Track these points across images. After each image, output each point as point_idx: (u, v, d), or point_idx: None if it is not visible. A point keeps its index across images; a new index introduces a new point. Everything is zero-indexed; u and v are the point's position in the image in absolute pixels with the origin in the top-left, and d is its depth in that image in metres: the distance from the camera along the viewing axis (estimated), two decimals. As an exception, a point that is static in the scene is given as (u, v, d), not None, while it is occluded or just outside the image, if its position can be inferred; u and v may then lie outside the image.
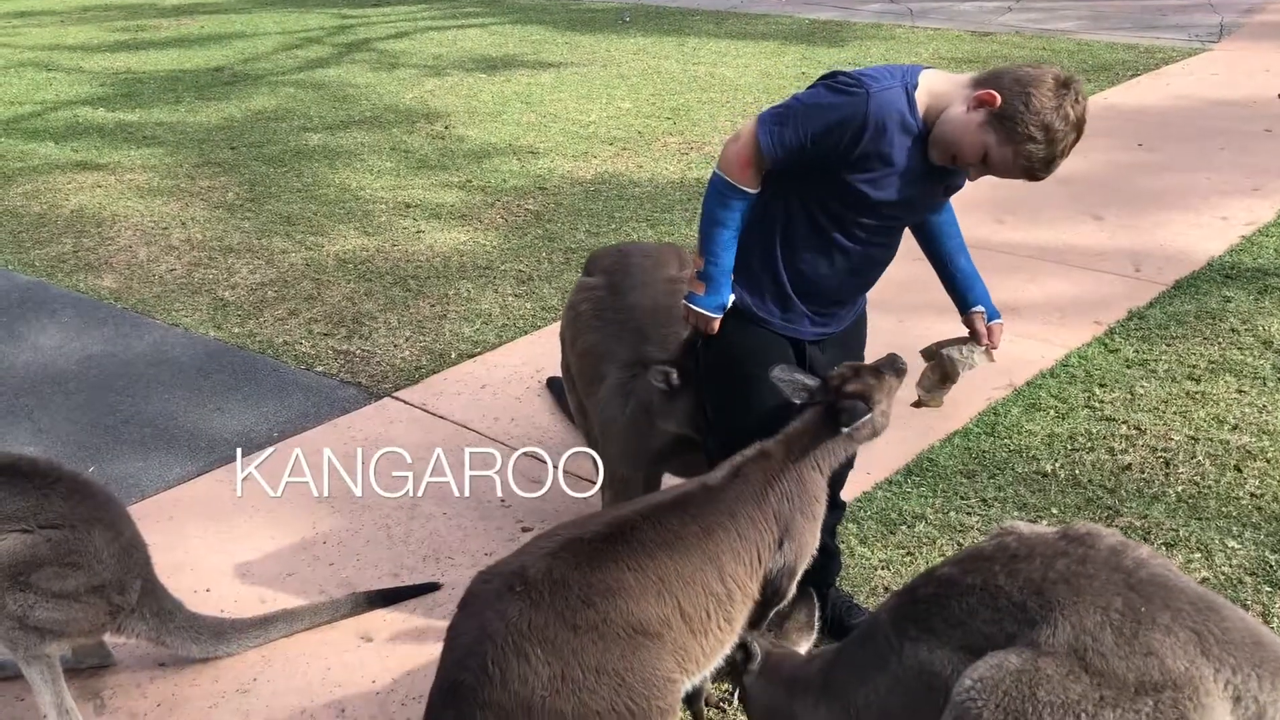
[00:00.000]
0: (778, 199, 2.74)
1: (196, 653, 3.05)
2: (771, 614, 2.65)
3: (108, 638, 3.03)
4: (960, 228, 2.98)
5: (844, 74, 2.63)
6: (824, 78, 2.67)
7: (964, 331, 2.97)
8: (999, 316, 2.97)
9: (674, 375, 2.99)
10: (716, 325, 2.80)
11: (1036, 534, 2.17)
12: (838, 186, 2.65)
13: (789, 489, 2.59)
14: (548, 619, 2.27)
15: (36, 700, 2.83)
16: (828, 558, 3.06)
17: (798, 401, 2.69)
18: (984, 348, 2.94)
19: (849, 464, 2.95)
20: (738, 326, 2.83)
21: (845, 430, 2.61)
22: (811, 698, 2.42)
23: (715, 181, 2.71)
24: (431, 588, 3.34)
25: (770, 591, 2.59)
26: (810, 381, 2.68)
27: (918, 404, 2.99)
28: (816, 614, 2.67)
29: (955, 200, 2.97)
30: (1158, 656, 1.93)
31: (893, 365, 2.74)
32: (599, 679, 2.26)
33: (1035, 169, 2.57)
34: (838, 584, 3.18)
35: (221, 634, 3.07)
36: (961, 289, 2.96)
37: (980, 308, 2.94)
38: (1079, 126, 2.56)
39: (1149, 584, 2.00)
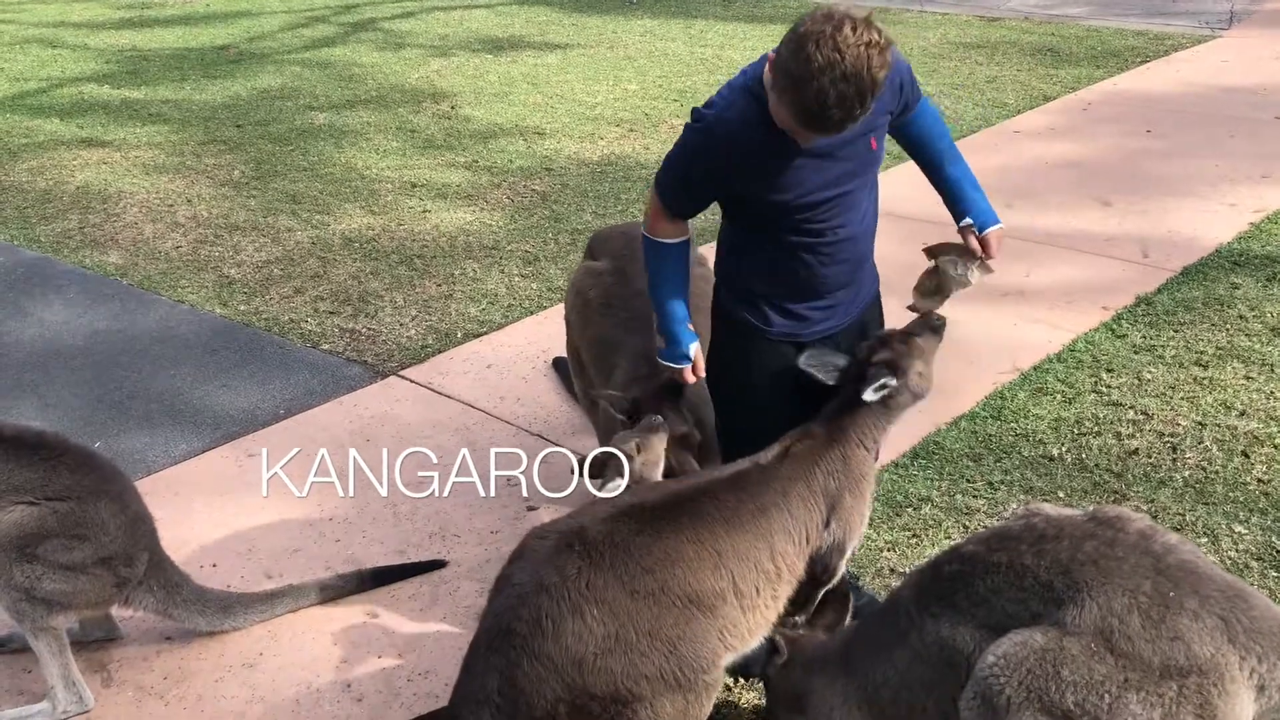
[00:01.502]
0: (734, 224, 2.79)
1: (203, 626, 3.06)
2: (819, 594, 2.67)
3: (115, 611, 3.04)
4: (950, 135, 2.89)
5: (696, 110, 2.66)
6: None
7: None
8: (996, 223, 2.80)
9: (622, 404, 3.03)
10: (689, 374, 2.82)
11: (1064, 515, 2.17)
12: (757, 204, 2.66)
13: (834, 467, 2.61)
14: (607, 580, 2.30)
15: (43, 672, 2.84)
16: None
17: (830, 382, 2.69)
18: (979, 261, 2.79)
19: None
20: (730, 341, 2.86)
21: (866, 399, 2.60)
22: (830, 674, 2.42)
23: (643, 240, 2.81)
24: (437, 565, 3.35)
25: (820, 569, 2.61)
26: (841, 361, 2.70)
27: (912, 308, 2.84)
28: (849, 612, 2.66)
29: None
30: (1184, 641, 1.92)
31: (927, 326, 2.72)
32: (651, 644, 2.29)
33: (797, 122, 2.40)
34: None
35: (228, 608, 3.08)
36: (951, 199, 2.87)
37: (969, 220, 2.80)
38: (831, 70, 2.28)
39: (1178, 569, 2.00)
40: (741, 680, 2.89)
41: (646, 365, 3.20)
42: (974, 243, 2.80)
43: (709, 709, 2.40)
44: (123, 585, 2.89)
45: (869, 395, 2.59)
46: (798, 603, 2.63)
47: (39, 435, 2.94)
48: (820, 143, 2.54)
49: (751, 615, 2.47)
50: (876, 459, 2.76)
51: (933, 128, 2.87)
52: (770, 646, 2.58)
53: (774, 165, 2.58)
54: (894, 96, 2.68)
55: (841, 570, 2.67)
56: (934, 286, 2.82)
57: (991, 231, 2.81)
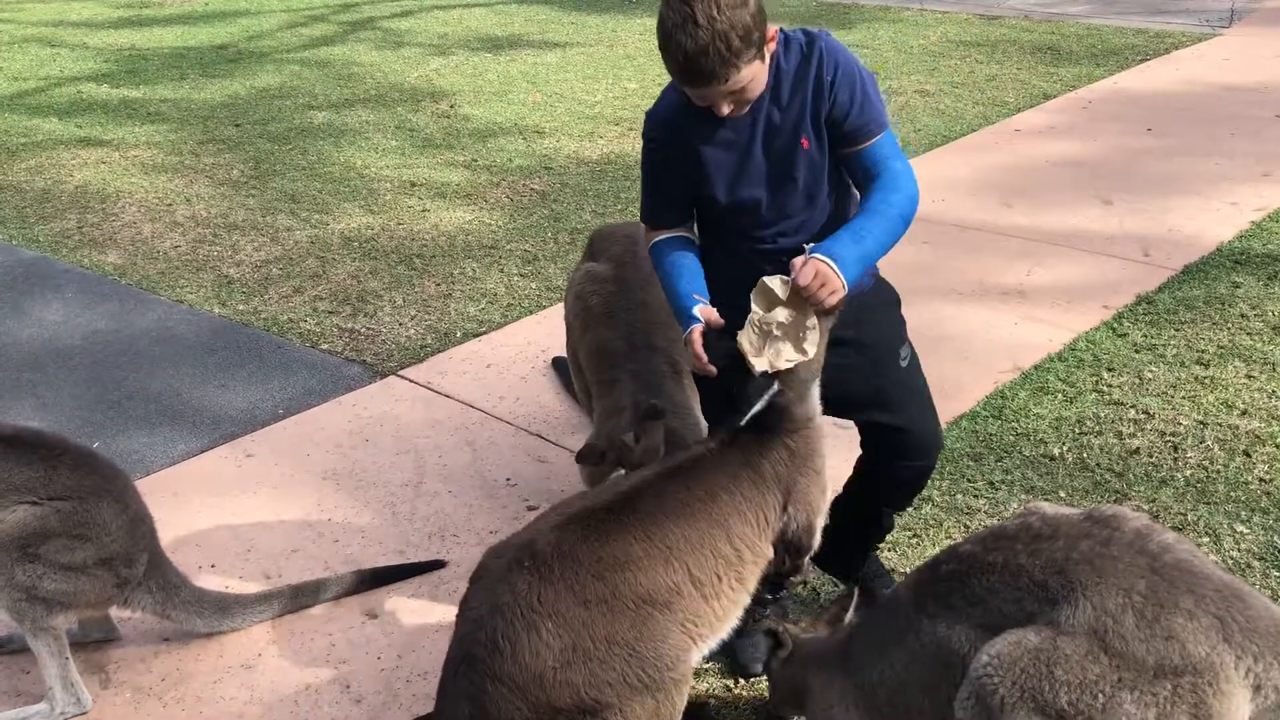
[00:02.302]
0: (700, 232, 2.78)
1: (201, 627, 3.05)
2: (803, 562, 2.65)
3: (113, 612, 3.03)
4: (884, 206, 2.52)
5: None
6: None
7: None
8: (825, 252, 2.41)
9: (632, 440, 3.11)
10: (696, 334, 2.54)
11: (1061, 515, 2.16)
12: (701, 204, 2.69)
13: (779, 456, 2.56)
14: (558, 592, 2.28)
15: (42, 673, 2.83)
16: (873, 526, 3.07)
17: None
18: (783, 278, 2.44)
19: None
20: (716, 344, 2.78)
21: (751, 415, 2.50)
22: (829, 671, 2.42)
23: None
24: (436, 565, 3.34)
25: (793, 551, 2.59)
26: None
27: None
28: (851, 609, 2.64)
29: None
30: (1179, 641, 1.91)
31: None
32: (610, 650, 2.27)
33: (676, 81, 2.48)
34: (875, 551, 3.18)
35: (226, 609, 3.07)
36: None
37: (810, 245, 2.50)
38: (685, 22, 2.32)
39: (1174, 568, 1.99)
40: (741, 680, 2.89)
41: (646, 390, 3.24)
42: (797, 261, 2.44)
43: (682, 704, 2.38)
44: (123, 586, 2.88)
45: (755, 411, 2.47)
46: (784, 576, 2.60)
47: (38, 434, 2.94)
48: (743, 135, 2.55)
49: (716, 602, 2.44)
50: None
51: (875, 195, 2.54)
52: (774, 641, 2.57)
53: (702, 154, 2.59)
54: (820, 93, 2.52)
55: (815, 545, 2.63)
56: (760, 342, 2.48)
57: (812, 258, 2.41)
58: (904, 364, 2.83)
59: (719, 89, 2.41)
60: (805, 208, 2.65)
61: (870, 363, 2.78)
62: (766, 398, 2.51)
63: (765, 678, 2.76)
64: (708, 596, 2.42)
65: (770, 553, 2.56)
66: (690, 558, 2.40)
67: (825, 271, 2.38)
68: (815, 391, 2.61)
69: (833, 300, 2.40)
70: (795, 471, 2.57)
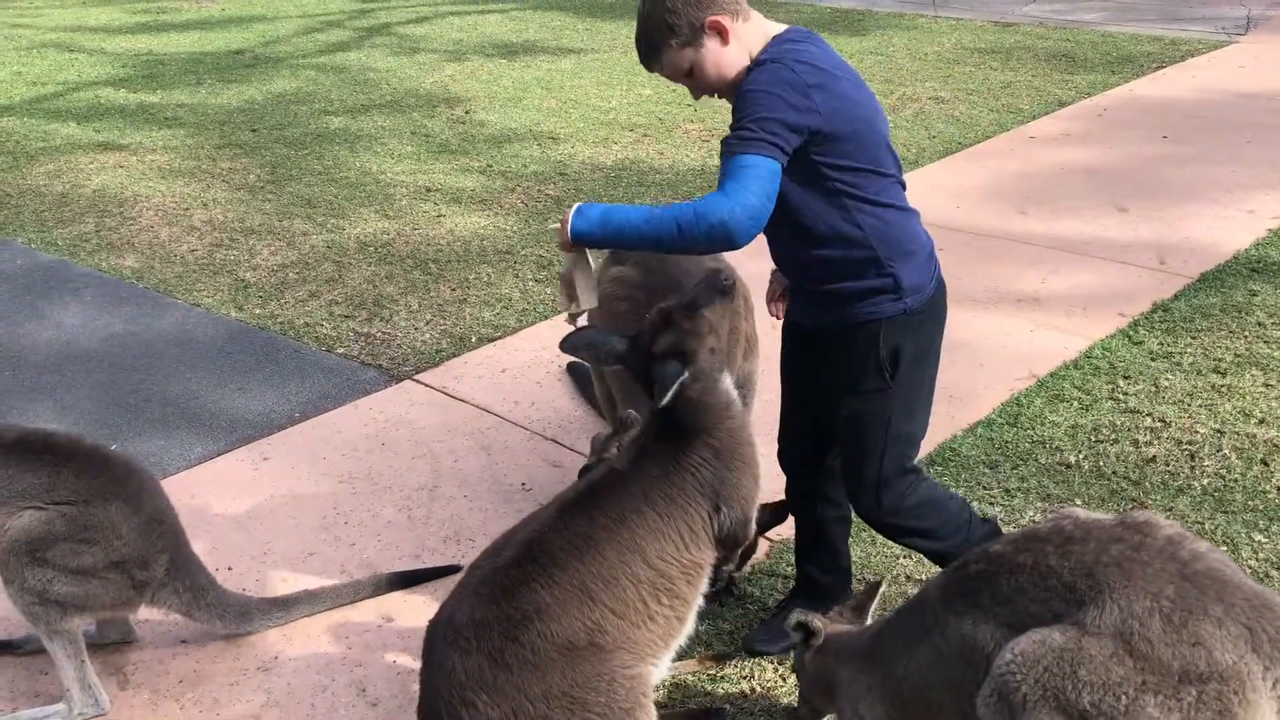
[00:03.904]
0: None
1: (220, 629, 3.06)
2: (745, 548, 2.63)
3: (141, 611, 3.04)
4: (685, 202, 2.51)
5: None
6: None
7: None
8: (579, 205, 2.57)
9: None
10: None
11: (1094, 519, 2.15)
12: None
13: (700, 458, 2.49)
14: (480, 664, 2.26)
15: (59, 675, 2.84)
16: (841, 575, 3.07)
17: (608, 369, 2.65)
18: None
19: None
20: None
21: (664, 405, 2.43)
22: (855, 665, 2.42)
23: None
24: (453, 570, 3.34)
25: (732, 544, 2.56)
26: (618, 344, 2.55)
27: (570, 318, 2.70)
28: (875, 601, 2.63)
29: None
30: (1205, 648, 1.91)
31: (711, 288, 2.50)
32: (551, 705, 2.24)
33: None
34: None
35: (247, 613, 3.08)
36: None
37: None
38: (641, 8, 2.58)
39: (1204, 576, 1.98)
40: (759, 687, 2.88)
41: None
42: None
43: None
44: (142, 588, 2.89)
45: (665, 400, 2.42)
46: (725, 563, 2.57)
47: (46, 439, 2.91)
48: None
49: (650, 625, 2.39)
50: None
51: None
52: (805, 633, 2.55)
53: None
54: (797, 130, 2.43)
55: (753, 531, 2.60)
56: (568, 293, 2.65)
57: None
58: (845, 413, 2.72)
59: (663, 74, 2.61)
60: (779, 236, 2.63)
61: (815, 394, 2.82)
62: (674, 389, 2.42)
63: (766, 668, 2.76)
64: (637, 624, 2.37)
65: (710, 556, 2.52)
66: (605, 592, 2.34)
67: (565, 217, 2.54)
68: (727, 381, 2.56)
69: (559, 242, 2.57)
70: (723, 469, 2.50)
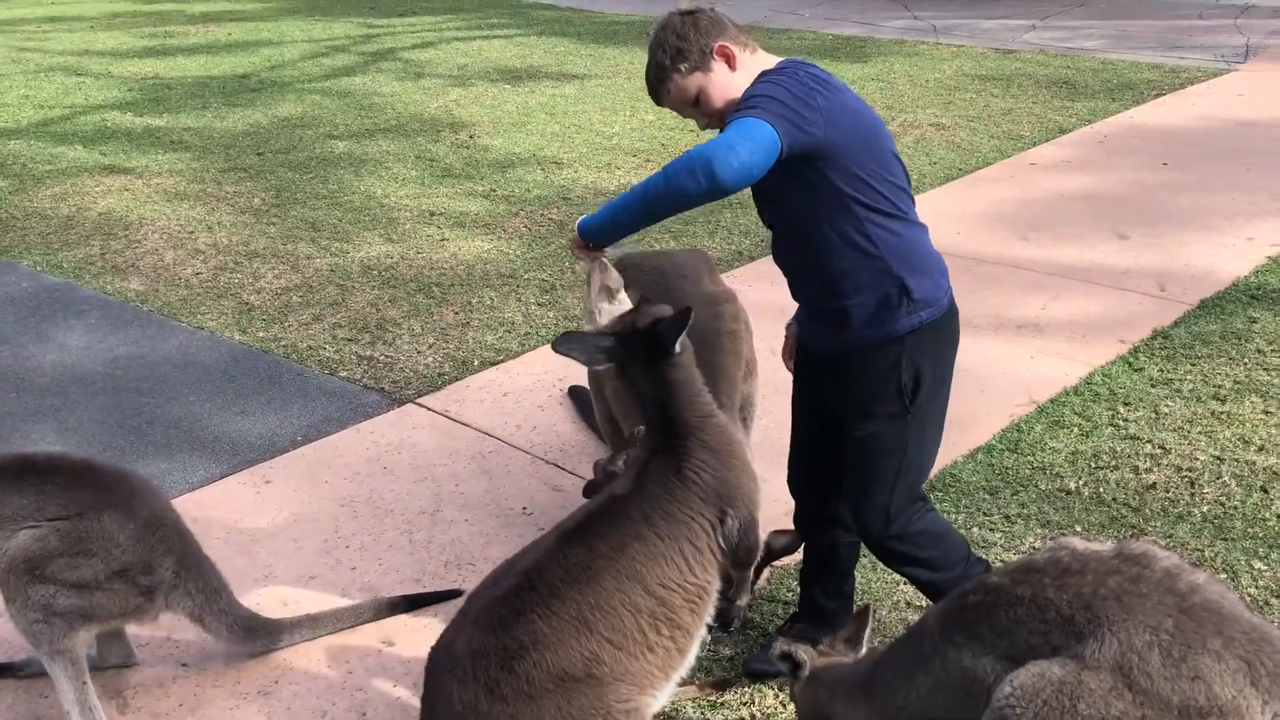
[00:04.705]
0: None
1: (225, 639, 3.04)
2: (749, 574, 2.64)
3: (133, 629, 3.04)
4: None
5: None
6: None
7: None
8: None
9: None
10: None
11: (1091, 550, 2.16)
12: None
13: (699, 462, 2.51)
14: (476, 694, 2.26)
15: (59, 698, 2.84)
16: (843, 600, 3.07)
17: (599, 366, 2.66)
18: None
19: None
20: None
21: (678, 351, 2.51)
22: (853, 697, 2.42)
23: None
24: (454, 594, 3.35)
25: (743, 552, 2.56)
26: (606, 342, 2.59)
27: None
28: (867, 629, 2.64)
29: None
30: (1205, 682, 1.91)
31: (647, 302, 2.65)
32: None
33: None
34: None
35: (253, 630, 3.08)
36: None
37: None
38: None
39: (1202, 609, 1.98)
40: (759, 716, 2.88)
41: None
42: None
43: None
44: (150, 594, 2.88)
45: (677, 365, 2.51)
46: (736, 587, 2.57)
47: (24, 461, 2.90)
48: None
49: (649, 656, 2.39)
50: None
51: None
52: (791, 664, 2.56)
53: None
54: (802, 124, 2.43)
55: (760, 543, 2.61)
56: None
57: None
58: (859, 435, 2.71)
59: (671, 104, 2.68)
60: (784, 232, 2.69)
61: (832, 420, 2.80)
62: (682, 337, 2.51)
63: (767, 695, 2.76)
64: (635, 655, 2.36)
65: (715, 579, 2.52)
66: (602, 622, 2.34)
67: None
68: (703, 391, 2.61)
69: (571, 243, 2.69)
70: (722, 469, 2.52)
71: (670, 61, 2.60)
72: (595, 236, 2.64)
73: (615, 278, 2.73)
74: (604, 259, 2.72)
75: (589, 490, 3.32)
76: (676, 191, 2.40)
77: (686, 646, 2.49)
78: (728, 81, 2.59)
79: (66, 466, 2.91)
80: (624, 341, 2.56)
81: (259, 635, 3.10)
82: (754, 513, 2.56)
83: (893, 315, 2.60)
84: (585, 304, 2.74)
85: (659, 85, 2.65)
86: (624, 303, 2.73)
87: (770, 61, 2.63)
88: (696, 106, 2.64)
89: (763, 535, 3.30)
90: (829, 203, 2.54)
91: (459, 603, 3.28)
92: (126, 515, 2.86)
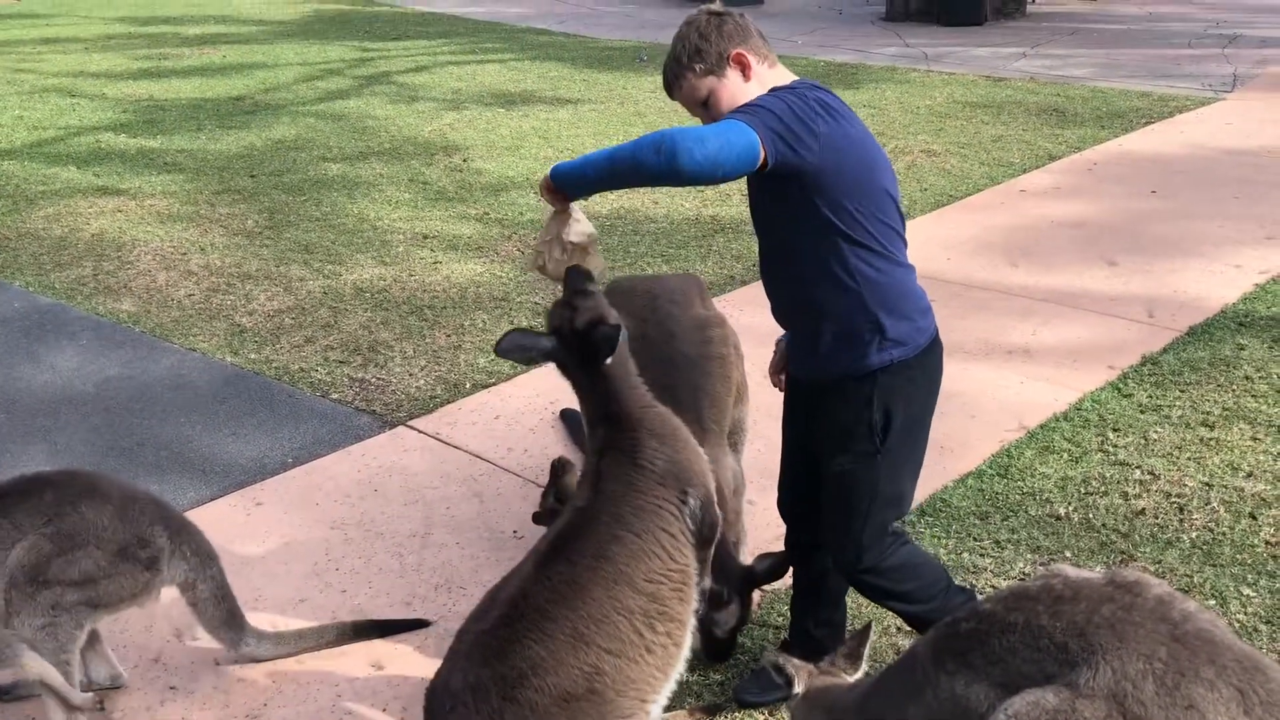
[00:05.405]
0: None
1: (209, 613, 3.04)
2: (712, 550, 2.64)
3: (119, 655, 3.04)
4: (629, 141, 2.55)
5: None
6: None
7: None
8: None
9: None
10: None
11: (1083, 578, 2.16)
12: None
13: (650, 452, 2.54)
14: None
15: (50, 716, 2.83)
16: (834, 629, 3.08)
17: (535, 364, 2.70)
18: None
19: None
20: None
21: (610, 363, 2.54)
22: None
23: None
24: (420, 624, 3.31)
25: (707, 529, 2.57)
26: (546, 343, 2.61)
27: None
28: (867, 646, 2.64)
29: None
30: (1199, 710, 1.91)
31: (576, 274, 2.67)
32: None
33: None
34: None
35: (233, 615, 3.08)
36: None
37: None
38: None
39: (1195, 637, 1.99)
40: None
41: None
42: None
43: None
44: (154, 565, 2.91)
45: (613, 359, 2.54)
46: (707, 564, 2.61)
47: None
48: None
49: (648, 657, 2.40)
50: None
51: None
52: (784, 678, 2.55)
53: None
54: (795, 143, 2.44)
55: (720, 518, 2.64)
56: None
57: None
58: (834, 469, 2.72)
59: (682, 100, 2.68)
60: (774, 253, 2.72)
61: (811, 447, 2.83)
62: (622, 341, 2.55)
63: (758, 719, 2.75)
64: (635, 658, 2.38)
65: (693, 558, 2.54)
66: (598, 632, 2.35)
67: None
68: (640, 383, 2.66)
69: (541, 186, 2.68)
70: (672, 452, 2.56)
71: (687, 60, 2.62)
72: (563, 185, 2.65)
73: (580, 230, 2.72)
74: (573, 209, 2.73)
75: (539, 520, 3.33)
76: (638, 164, 2.42)
77: (681, 639, 2.51)
78: (739, 89, 2.61)
79: (22, 483, 2.94)
80: (563, 340, 2.60)
81: (233, 625, 3.09)
82: (710, 489, 2.61)
83: (863, 350, 2.62)
84: (535, 243, 2.77)
85: (674, 80, 2.67)
86: (589, 257, 2.75)
87: (787, 78, 2.65)
88: (705, 108, 2.65)
89: (749, 559, 3.31)
90: (815, 229, 2.56)
91: (449, 626, 3.29)
92: (100, 499, 2.90)
